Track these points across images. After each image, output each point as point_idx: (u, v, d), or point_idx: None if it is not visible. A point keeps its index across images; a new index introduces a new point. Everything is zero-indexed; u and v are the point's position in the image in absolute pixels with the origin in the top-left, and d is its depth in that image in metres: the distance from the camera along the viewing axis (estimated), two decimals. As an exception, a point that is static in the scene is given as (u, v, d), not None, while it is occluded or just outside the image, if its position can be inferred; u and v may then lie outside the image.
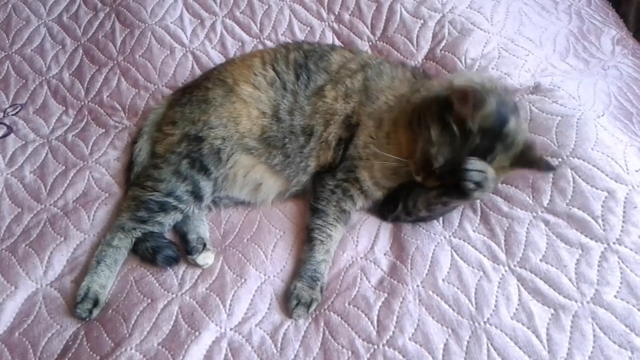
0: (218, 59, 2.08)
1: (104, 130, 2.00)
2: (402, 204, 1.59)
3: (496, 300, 1.42)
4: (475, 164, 1.36)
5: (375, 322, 1.42)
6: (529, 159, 1.43)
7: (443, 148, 1.41)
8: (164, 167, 1.69)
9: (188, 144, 1.69)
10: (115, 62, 2.11)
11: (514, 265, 1.47)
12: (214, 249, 1.64)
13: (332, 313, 1.46)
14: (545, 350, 1.33)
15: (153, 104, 2.01)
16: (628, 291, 1.37)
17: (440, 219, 1.60)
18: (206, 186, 1.68)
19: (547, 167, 1.45)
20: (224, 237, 1.69)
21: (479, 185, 1.37)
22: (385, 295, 1.47)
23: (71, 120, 2.06)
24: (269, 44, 2.09)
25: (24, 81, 2.16)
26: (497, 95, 1.42)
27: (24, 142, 1.98)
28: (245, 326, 1.46)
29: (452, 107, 1.39)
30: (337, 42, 2.05)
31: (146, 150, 1.81)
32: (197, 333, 1.44)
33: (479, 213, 1.59)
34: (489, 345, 1.35)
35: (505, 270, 1.47)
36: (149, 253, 1.61)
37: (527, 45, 1.89)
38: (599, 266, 1.42)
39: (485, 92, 1.39)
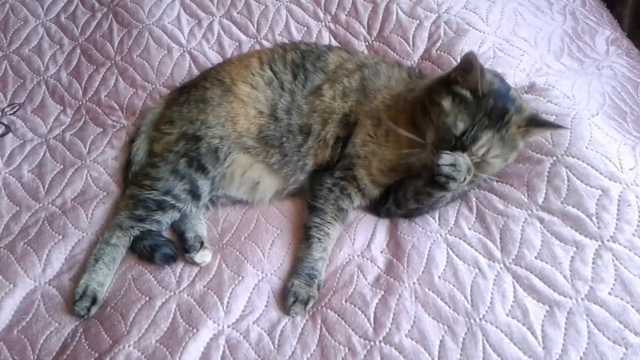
0: (215, 58, 2.09)
1: (101, 129, 2.01)
2: (392, 196, 1.61)
3: (492, 297, 1.43)
4: (445, 158, 1.39)
5: (372, 319, 1.43)
6: (540, 120, 1.50)
7: (460, 115, 1.43)
8: (162, 166, 1.69)
9: (186, 143, 1.70)
10: (113, 61, 2.12)
11: (509, 263, 1.48)
12: (212, 247, 1.65)
13: (329, 310, 1.47)
14: (540, 347, 1.34)
15: (151, 103, 2.02)
16: (622, 288, 1.39)
17: (436, 216, 1.61)
18: (204, 185, 1.69)
19: (558, 126, 1.52)
20: (221, 235, 1.70)
21: (449, 177, 1.39)
22: (382, 292, 1.48)
23: (69, 119, 2.07)
24: (266, 44, 2.10)
25: (21, 81, 2.16)
26: (490, 70, 1.54)
27: (22, 142, 1.99)
28: (242, 323, 1.47)
29: (457, 82, 1.46)
30: (334, 42, 2.07)
31: (144, 150, 1.81)
32: (195, 330, 1.45)
33: (475, 211, 1.60)
34: (485, 342, 1.36)
35: (501, 268, 1.48)
36: (147, 251, 1.62)
37: (522, 45, 1.91)
38: (593, 263, 1.43)
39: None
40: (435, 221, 1.61)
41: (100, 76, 2.11)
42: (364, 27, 2.05)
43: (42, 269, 1.63)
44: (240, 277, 1.56)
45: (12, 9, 2.29)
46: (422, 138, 1.49)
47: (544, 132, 1.55)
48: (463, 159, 1.40)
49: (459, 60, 1.83)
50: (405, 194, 1.56)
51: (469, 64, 1.43)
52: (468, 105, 1.44)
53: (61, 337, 1.50)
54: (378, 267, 1.55)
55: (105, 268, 1.59)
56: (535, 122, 1.48)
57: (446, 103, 1.46)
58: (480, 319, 1.40)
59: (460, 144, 1.42)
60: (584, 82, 1.77)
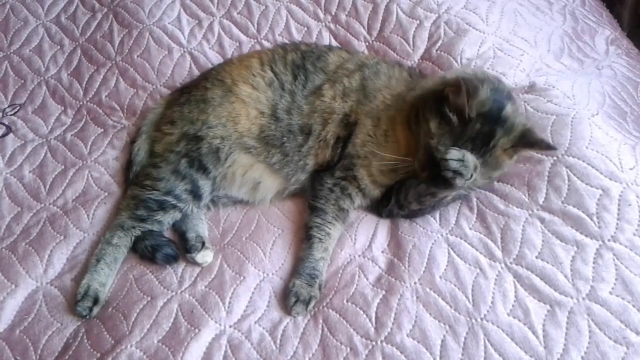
0: (216, 59, 2.09)
1: (102, 130, 2.01)
2: (394, 198, 1.61)
3: (493, 297, 1.43)
4: (453, 153, 1.39)
5: (373, 319, 1.44)
6: (530, 140, 1.47)
7: (444, 138, 1.44)
8: (163, 166, 1.70)
9: (187, 143, 1.70)
10: (113, 62, 2.12)
11: (510, 263, 1.49)
12: (213, 248, 1.65)
13: (330, 310, 1.47)
14: (541, 346, 1.35)
15: (151, 103, 2.02)
16: (623, 287, 1.39)
17: (437, 216, 1.62)
18: (205, 185, 1.69)
19: (547, 147, 1.50)
20: (222, 235, 1.70)
21: (457, 173, 1.40)
22: (383, 292, 1.48)
23: (70, 120, 2.07)
24: (266, 44, 2.10)
25: (22, 81, 2.16)
26: (490, 83, 1.49)
27: (23, 142, 1.99)
28: (244, 323, 1.47)
29: (447, 100, 1.43)
30: (334, 43, 2.07)
31: (145, 150, 1.82)
32: (196, 330, 1.45)
33: (476, 211, 1.61)
34: (486, 342, 1.36)
35: (502, 267, 1.48)
36: (149, 251, 1.62)
37: (522, 45, 1.91)
38: (594, 263, 1.44)
39: (478, 81, 1.46)
40: (436, 221, 1.61)
41: (101, 76, 2.11)
42: (364, 27, 2.06)
43: (43, 270, 1.63)
44: (242, 277, 1.56)
45: (13, 10, 2.29)
46: (417, 143, 1.50)
47: (533, 152, 1.54)
48: (471, 156, 1.41)
49: (459, 61, 1.85)
50: (407, 196, 1.57)
51: (457, 89, 1.41)
52: (452, 129, 1.44)
53: (63, 338, 1.50)
54: (379, 267, 1.55)
55: (106, 268, 1.59)
56: (524, 142, 1.47)
57: (433, 124, 1.46)
58: (481, 319, 1.40)
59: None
60: (584, 81, 1.78)
